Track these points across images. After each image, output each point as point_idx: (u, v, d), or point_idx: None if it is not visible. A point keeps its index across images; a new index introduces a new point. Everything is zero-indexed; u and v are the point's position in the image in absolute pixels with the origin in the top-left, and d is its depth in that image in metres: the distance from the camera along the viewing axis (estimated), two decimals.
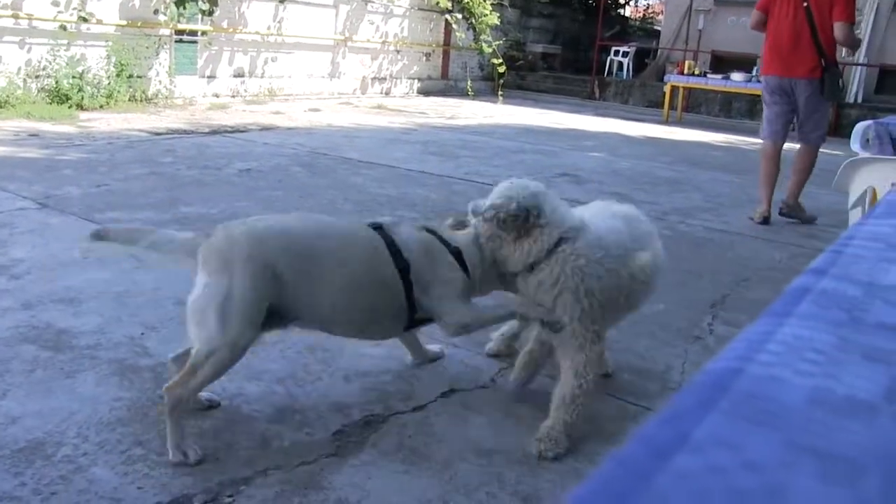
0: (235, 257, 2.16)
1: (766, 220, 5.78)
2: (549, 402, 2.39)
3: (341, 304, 2.33)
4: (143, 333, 2.97)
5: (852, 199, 2.60)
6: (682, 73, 14.03)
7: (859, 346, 0.51)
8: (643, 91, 17.06)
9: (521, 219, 2.26)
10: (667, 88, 14.34)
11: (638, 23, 24.75)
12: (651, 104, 16.39)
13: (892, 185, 2.31)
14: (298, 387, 2.62)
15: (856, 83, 15.06)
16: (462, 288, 2.43)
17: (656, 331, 3.41)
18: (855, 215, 2.74)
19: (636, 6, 25.92)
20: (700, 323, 3.55)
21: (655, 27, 23.39)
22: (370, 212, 5.15)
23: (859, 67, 14.80)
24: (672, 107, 14.48)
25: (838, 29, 5.54)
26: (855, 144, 3.87)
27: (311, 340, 3.00)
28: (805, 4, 5.61)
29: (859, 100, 14.92)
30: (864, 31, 10.60)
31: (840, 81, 5.91)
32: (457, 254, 2.46)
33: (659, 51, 18.38)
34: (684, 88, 14.59)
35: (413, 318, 2.45)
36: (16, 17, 8.71)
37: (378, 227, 2.46)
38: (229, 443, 2.24)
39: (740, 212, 6.15)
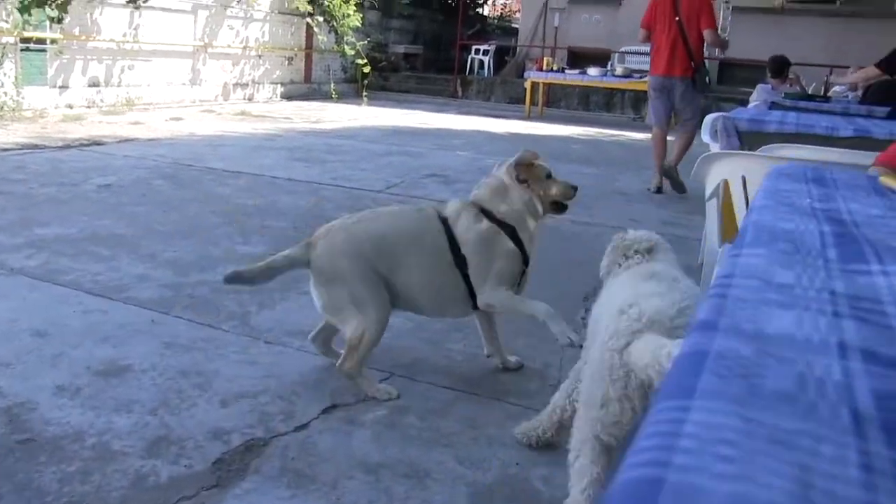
0: (345, 267, 2.70)
1: (659, 190, 7.22)
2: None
3: (421, 288, 2.81)
4: None
5: (708, 190, 2.72)
6: (541, 69, 14.38)
7: (765, 429, 0.52)
8: (504, 88, 17.39)
9: None
10: (527, 85, 14.66)
11: (496, 21, 25.19)
12: (513, 100, 16.72)
13: (742, 177, 2.44)
14: (173, 415, 2.51)
15: None
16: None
17: (532, 328, 3.46)
18: (712, 206, 2.88)
19: (494, 4, 26.36)
20: (574, 317, 3.64)
21: (513, 25, 23.86)
22: (238, 224, 5.01)
23: (704, 61, 15.58)
24: (533, 102, 14.83)
25: (708, 35, 7.10)
26: (705, 135, 4.07)
27: (185, 363, 2.89)
28: (677, 19, 7.05)
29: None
30: (727, 31, 11.43)
31: (707, 77, 7.57)
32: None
33: (518, 48, 18.77)
34: (544, 84, 14.96)
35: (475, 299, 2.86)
36: None
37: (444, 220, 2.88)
38: (99, 485, 2.11)
39: (604, 204, 6.36)
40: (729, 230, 2.98)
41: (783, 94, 5.87)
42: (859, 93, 7.53)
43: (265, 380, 2.80)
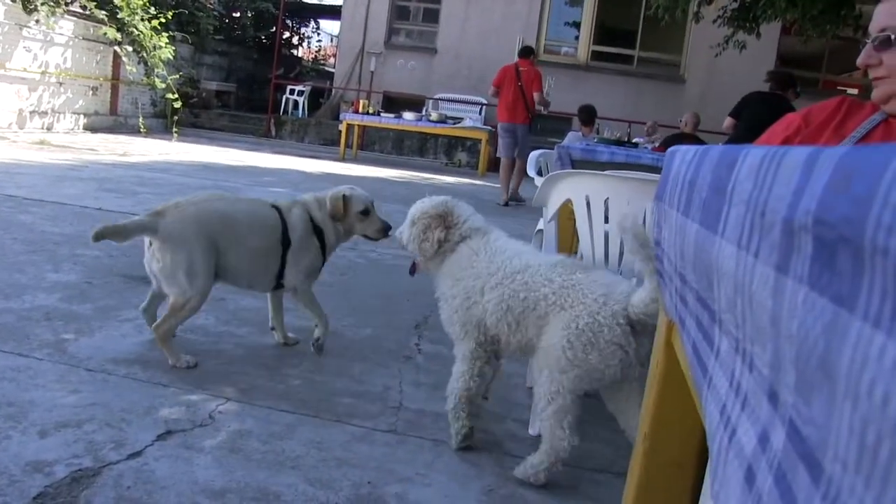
0: (191, 238, 3.02)
1: (507, 204, 10.11)
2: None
3: (249, 263, 3.23)
4: None
5: (550, 213, 2.84)
6: (357, 111, 14.53)
7: None
8: (319, 129, 17.39)
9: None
10: (343, 126, 14.75)
11: (311, 64, 25.22)
12: (327, 142, 16.75)
13: (586, 196, 2.58)
14: None
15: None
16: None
17: (368, 354, 3.46)
18: (551, 229, 3.00)
19: (309, 48, 26.40)
20: (408, 343, 3.67)
21: (328, 69, 24.00)
22: (47, 252, 4.66)
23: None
24: (348, 144, 14.92)
25: (536, 96, 10.22)
26: (531, 170, 4.28)
27: None
28: (519, 84, 10.22)
29: None
30: (549, 94, 12.57)
31: (537, 124, 10.80)
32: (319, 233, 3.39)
33: (333, 90, 18.87)
34: (359, 126, 15.12)
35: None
36: None
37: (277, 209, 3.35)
38: None
39: None
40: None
41: (596, 140, 6.29)
42: (656, 143, 8.33)
43: (90, 408, 2.60)
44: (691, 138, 8.16)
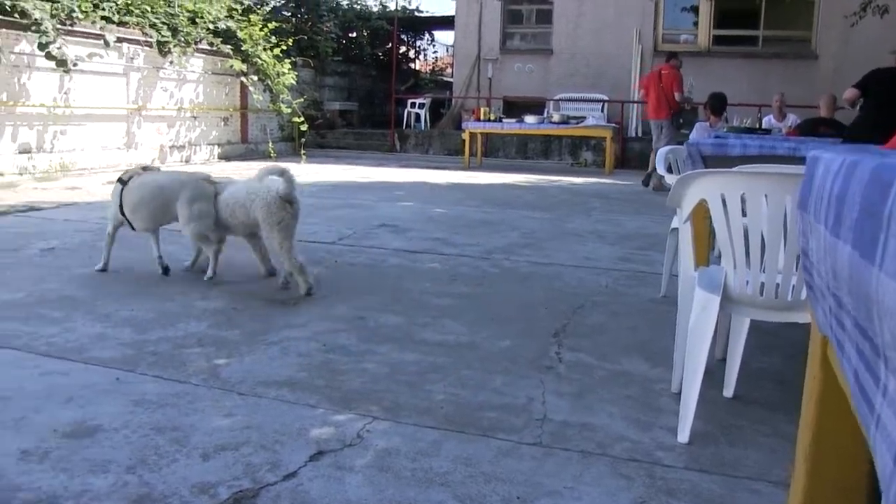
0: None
1: (654, 188, 10.91)
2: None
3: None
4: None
5: (684, 214, 2.75)
6: (478, 119, 14.58)
7: None
8: (442, 140, 17.57)
9: None
10: (465, 135, 14.84)
11: (429, 75, 25.55)
12: (450, 152, 16.89)
13: (722, 196, 2.48)
14: (153, 472, 2.40)
15: (633, 120, 16.37)
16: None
17: (508, 366, 3.45)
18: (686, 229, 2.91)
19: (425, 60, 26.75)
20: (548, 353, 3.63)
21: (446, 79, 24.23)
22: (188, 281, 4.90)
23: (634, 106, 16.07)
24: (472, 152, 15.00)
25: (677, 96, 11.54)
26: (661, 167, 4.16)
27: (159, 420, 2.78)
28: (661, 86, 11.57)
29: (639, 133, 16.17)
30: (692, 91, 12.70)
31: (680, 118, 12.03)
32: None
33: (453, 100, 19.03)
34: (482, 134, 15.17)
35: None
36: None
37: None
38: None
39: (558, 244, 6.41)
40: (701, 255, 3.02)
41: (726, 129, 6.06)
42: (790, 125, 7.90)
43: (245, 431, 2.70)
44: (829, 123, 7.73)
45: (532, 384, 3.22)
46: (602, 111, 16.06)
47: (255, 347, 3.63)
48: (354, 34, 21.81)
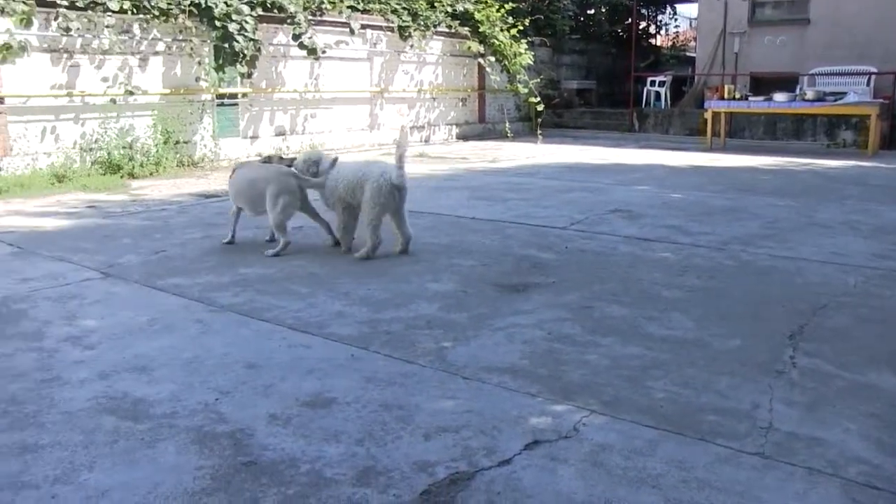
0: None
1: None
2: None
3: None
4: (217, 399, 2.96)
5: None
6: (722, 97, 13.88)
7: None
8: (682, 119, 16.94)
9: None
10: (707, 115, 14.19)
11: (670, 51, 24.67)
12: (691, 132, 16.24)
13: None
14: (379, 447, 2.57)
15: None
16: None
17: (736, 367, 3.30)
18: None
19: (667, 34, 25.84)
20: (781, 356, 3.43)
21: (688, 54, 23.27)
22: (426, 262, 5.14)
23: None
24: (714, 133, 14.33)
25: None
26: None
27: (387, 397, 2.96)
28: None
29: None
30: None
31: None
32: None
33: (695, 77, 18.25)
34: (725, 113, 14.44)
35: None
36: (70, 95, 9.00)
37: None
38: None
39: (803, 236, 6.00)
40: None
41: None
42: None
43: (465, 415, 2.82)
44: None
45: (760, 389, 3.06)
46: (868, 85, 14.62)
47: (481, 332, 3.75)
48: (592, 11, 21.53)
